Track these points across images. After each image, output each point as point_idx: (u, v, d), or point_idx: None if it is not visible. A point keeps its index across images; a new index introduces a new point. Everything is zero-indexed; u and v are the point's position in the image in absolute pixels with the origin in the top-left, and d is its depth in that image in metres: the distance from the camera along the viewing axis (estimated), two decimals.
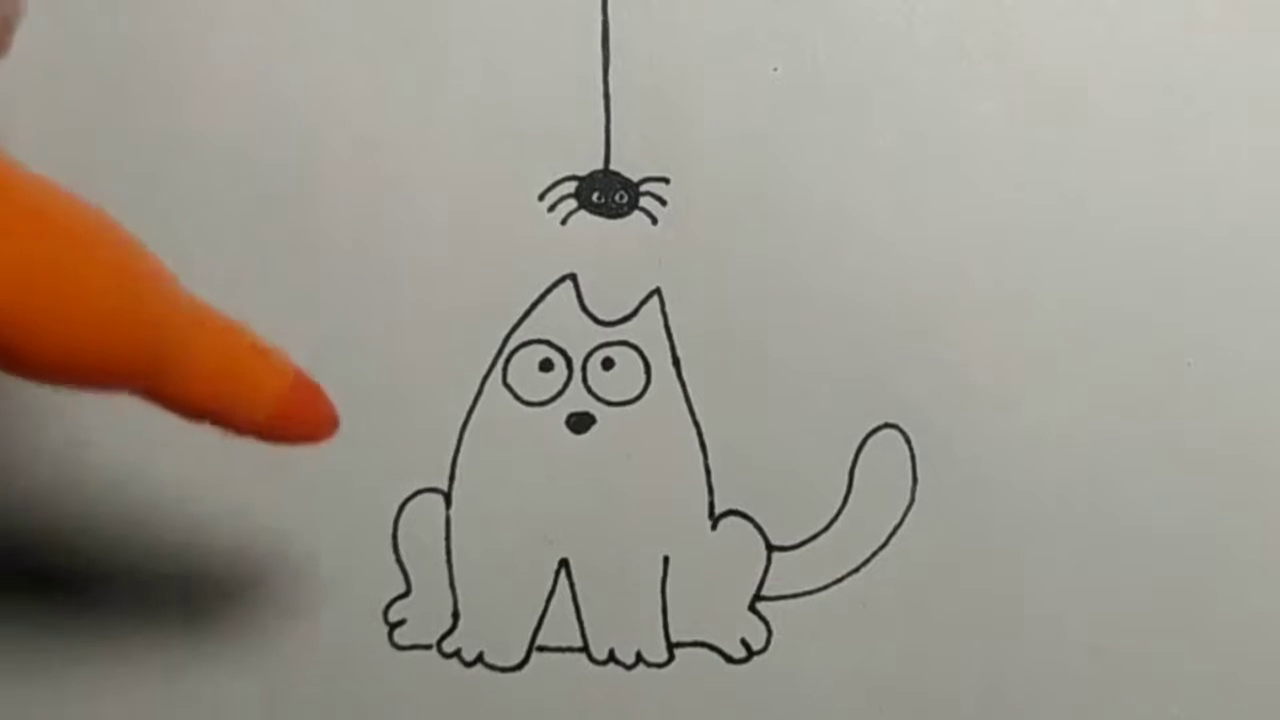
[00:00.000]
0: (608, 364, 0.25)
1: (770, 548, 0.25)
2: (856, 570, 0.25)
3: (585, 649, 0.25)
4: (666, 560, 0.25)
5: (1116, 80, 0.25)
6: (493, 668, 0.25)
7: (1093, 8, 0.25)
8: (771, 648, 0.25)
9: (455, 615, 0.25)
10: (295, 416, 0.19)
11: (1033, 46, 0.25)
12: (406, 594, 0.25)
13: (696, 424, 0.25)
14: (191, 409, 0.18)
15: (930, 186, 0.25)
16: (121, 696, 0.24)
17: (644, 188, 0.25)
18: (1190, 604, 0.25)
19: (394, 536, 0.25)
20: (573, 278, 0.25)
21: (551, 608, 0.25)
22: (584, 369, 0.25)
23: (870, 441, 0.25)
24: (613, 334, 0.25)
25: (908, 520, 0.25)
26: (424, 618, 0.25)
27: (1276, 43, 0.25)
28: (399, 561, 0.25)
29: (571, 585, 0.25)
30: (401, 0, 0.25)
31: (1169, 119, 0.25)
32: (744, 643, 0.25)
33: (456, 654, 0.25)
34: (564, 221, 0.25)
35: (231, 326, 0.19)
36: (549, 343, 0.25)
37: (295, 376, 0.19)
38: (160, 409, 0.18)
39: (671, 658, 0.25)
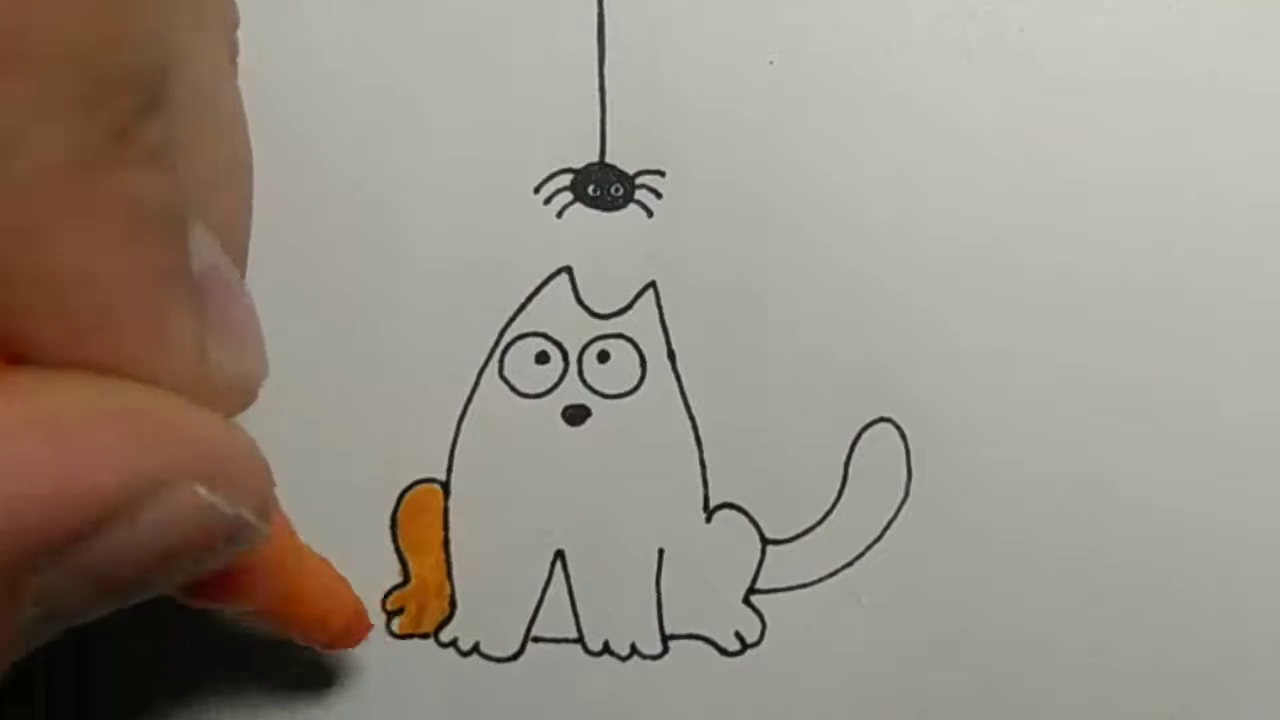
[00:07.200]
0: (603, 357, 0.25)
1: (765, 541, 0.25)
2: (851, 564, 0.25)
3: (580, 640, 0.25)
4: (661, 553, 0.25)
5: (1116, 77, 0.25)
6: (488, 658, 0.25)
7: (1091, 4, 0.25)
8: (765, 640, 0.25)
9: (452, 605, 0.25)
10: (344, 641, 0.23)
11: (1032, 40, 0.25)
12: (404, 583, 0.25)
13: (691, 417, 0.25)
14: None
15: (927, 180, 0.25)
16: (113, 683, 0.24)
17: (639, 181, 0.25)
18: (1189, 602, 0.25)
19: (393, 526, 0.25)
20: (568, 270, 0.25)
21: (547, 599, 0.25)
22: (580, 362, 0.25)
23: (865, 435, 0.25)
24: (608, 327, 0.25)
25: (902, 514, 0.25)
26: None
27: (1277, 41, 0.25)
28: (398, 551, 0.25)
29: (567, 577, 0.25)
30: None
31: (1169, 118, 0.25)
32: (738, 635, 0.25)
33: (453, 643, 0.25)
34: (560, 214, 0.25)
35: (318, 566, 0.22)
36: (545, 335, 0.25)
37: (355, 610, 0.23)
38: None
39: (666, 649, 0.25)
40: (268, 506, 0.18)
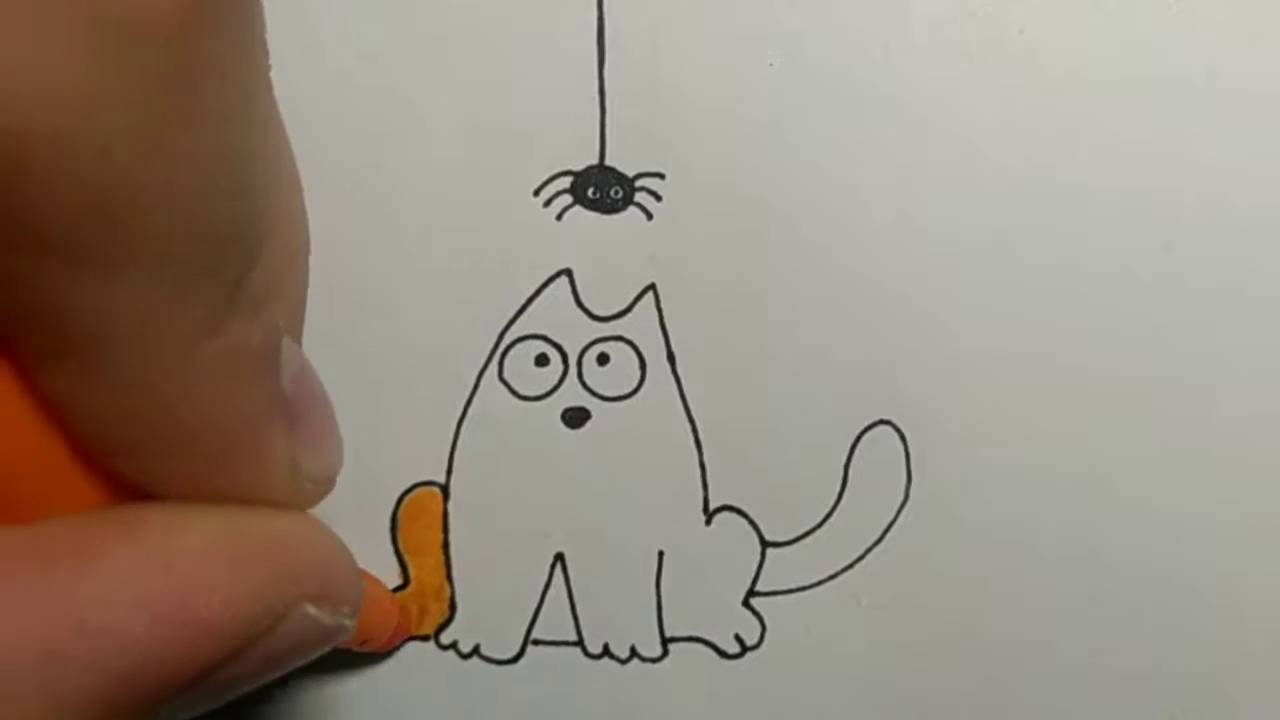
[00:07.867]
0: (603, 359, 0.25)
1: (764, 543, 0.25)
2: (851, 566, 0.25)
3: (580, 643, 0.25)
4: (661, 555, 0.25)
5: (1116, 77, 0.25)
6: (489, 660, 0.25)
7: (1091, 5, 0.25)
8: (765, 643, 0.25)
9: (452, 607, 0.25)
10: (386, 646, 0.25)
11: (1032, 42, 0.25)
12: (404, 586, 0.25)
13: (691, 419, 0.25)
14: None
15: (927, 181, 0.25)
16: None
17: (639, 183, 0.25)
18: (1189, 602, 0.25)
19: (392, 529, 0.25)
20: (568, 273, 0.25)
21: (547, 601, 0.25)
22: (579, 364, 0.25)
23: (865, 438, 0.25)
24: (608, 329, 0.25)
25: (902, 516, 0.25)
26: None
27: (1277, 41, 0.25)
28: (397, 554, 0.25)
29: (567, 579, 0.25)
30: None
31: (1169, 118, 0.25)
32: (738, 638, 0.25)
33: (453, 646, 0.25)
34: (559, 217, 0.25)
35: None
36: (545, 338, 0.25)
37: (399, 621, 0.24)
38: None
39: (665, 652, 0.25)
40: (359, 607, 0.19)
